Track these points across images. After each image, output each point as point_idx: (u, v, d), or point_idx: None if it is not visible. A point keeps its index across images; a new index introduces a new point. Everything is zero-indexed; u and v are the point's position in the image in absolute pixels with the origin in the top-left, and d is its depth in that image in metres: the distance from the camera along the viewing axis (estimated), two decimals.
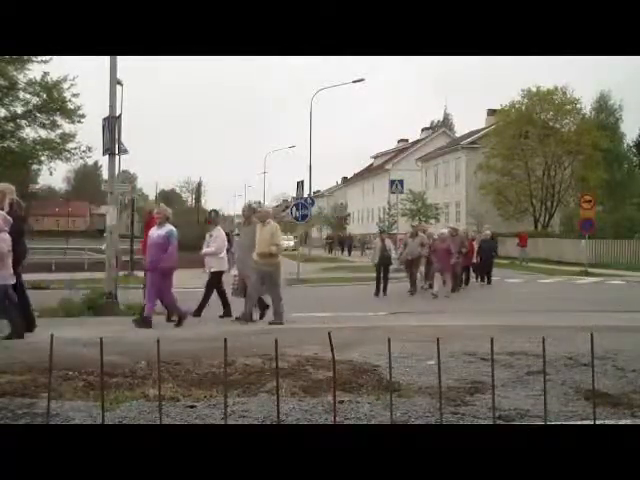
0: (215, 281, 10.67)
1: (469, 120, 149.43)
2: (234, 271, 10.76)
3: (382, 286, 15.51)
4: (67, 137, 28.37)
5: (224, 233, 11.17)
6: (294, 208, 22.62)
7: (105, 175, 15.26)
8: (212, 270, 10.66)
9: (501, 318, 10.18)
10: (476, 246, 18.41)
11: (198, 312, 10.38)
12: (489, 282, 18.77)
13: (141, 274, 19.70)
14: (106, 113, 11.07)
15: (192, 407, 4.15)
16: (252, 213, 10.71)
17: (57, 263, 24.01)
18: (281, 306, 9.74)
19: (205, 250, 10.90)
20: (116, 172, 12.28)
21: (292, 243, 55.09)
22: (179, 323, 9.20)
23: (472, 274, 18.77)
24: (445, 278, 15.00)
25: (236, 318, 9.94)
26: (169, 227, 9.32)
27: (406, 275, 16.45)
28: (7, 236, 7.23)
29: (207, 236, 11.12)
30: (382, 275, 15.54)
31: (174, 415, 3.95)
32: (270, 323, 9.50)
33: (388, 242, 15.83)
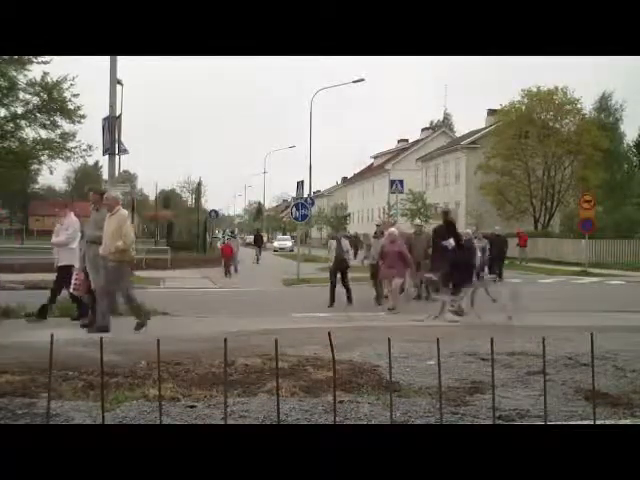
0: (61, 277, 9.47)
1: (469, 120, 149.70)
2: (77, 265, 9.28)
3: (333, 293, 12.96)
4: (67, 136, 28.34)
5: (77, 221, 9.71)
6: (294, 208, 22.62)
7: (105, 175, 15.23)
8: (60, 264, 9.47)
9: (501, 318, 10.17)
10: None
11: (43, 314, 9.43)
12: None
13: (142, 274, 19.83)
14: (106, 113, 11.06)
15: (192, 407, 4.15)
16: (101, 198, 9.02)
17: None
18: (107, 313, 8.33)
19: (53, 240, 9.72)
20: (116, 172, 12.26)
21: (289, 244, 54.52)
22: None
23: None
24: (391, 288, 12.13)
25: (82, 325, 8.80)
26: None
27: (372, 282, 13.83)
28: None
29: (57, 225, 9.86)
30: (341, 281, 13.14)
31: (174, 415, 3.95)
32: (82, 326, 8.55)
33: (344, 242, 13.65)
